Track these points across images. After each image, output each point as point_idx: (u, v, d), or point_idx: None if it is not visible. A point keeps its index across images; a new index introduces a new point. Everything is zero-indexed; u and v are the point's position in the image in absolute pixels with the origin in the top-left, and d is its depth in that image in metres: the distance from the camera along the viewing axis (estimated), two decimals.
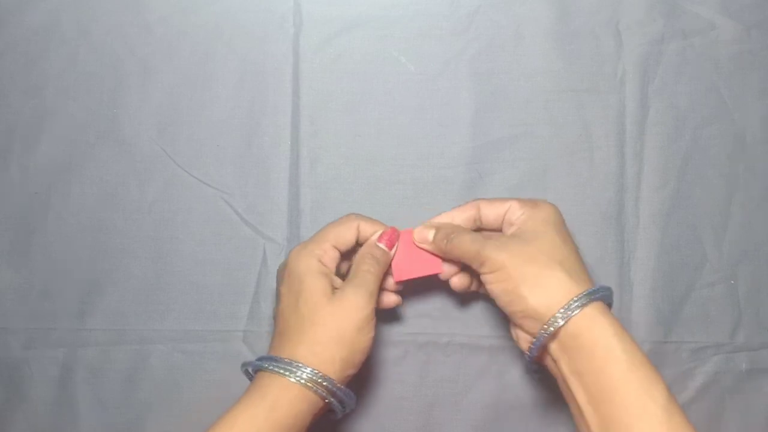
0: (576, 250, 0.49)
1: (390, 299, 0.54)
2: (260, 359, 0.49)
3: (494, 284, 0.48)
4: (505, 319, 0.56)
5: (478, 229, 0.53)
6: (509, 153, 0.58)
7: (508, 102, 0.59)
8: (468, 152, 0.58)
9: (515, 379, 0.57)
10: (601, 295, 0.46)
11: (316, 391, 0.47)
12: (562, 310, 0.45)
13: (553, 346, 0.46)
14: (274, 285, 0.57)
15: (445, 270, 0.53)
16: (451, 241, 0.50)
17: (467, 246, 0.49)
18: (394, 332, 0.57)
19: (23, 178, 0.59)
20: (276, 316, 0.51)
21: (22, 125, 0.59)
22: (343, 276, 0.52)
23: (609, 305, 0.48)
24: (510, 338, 0.57)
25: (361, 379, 0.57)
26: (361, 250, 0.52)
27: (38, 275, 0.58)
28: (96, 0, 0.59)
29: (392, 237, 0.52)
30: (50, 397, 0.57)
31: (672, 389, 0.56)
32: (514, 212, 0.50)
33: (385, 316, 0.58)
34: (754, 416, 0.57)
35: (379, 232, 0.52)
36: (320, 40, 0.59)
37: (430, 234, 0.52)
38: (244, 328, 0.58)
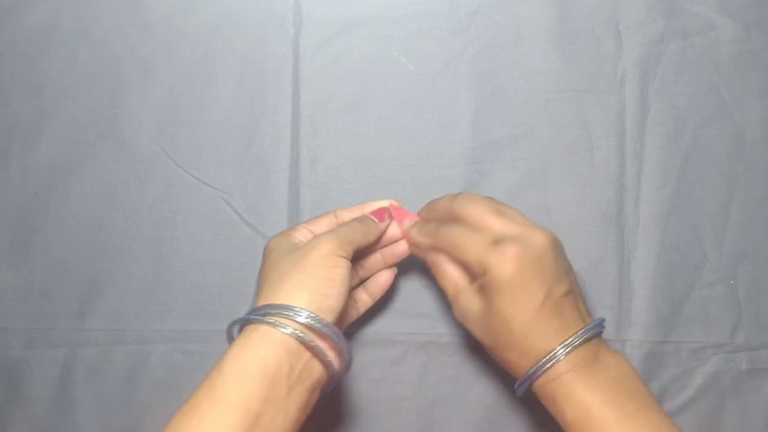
0: (541, 301, 0.46)
1: (383, 277, 0.54)
2: (252, 312, 0.46)
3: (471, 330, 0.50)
4: None
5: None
6: (509, 153, 0.58)
7: (508, 102, 0.59)
8: (468, 152, 0.58)
9: (515, 380, 0.57)
10: (571, 349, 0.45)
11: (313, 330, 0.45)
12: (521, 386, 0.47)
13: (535, 387, 0.48)
14: None
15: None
16: (444, 236, 0.50)
17: (443, 285, 0.51)
18: (394, 332, 0.57)
19: (23, 178, 0.59)
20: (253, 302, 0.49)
21: (22, 125, 0.59)
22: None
23: (598, 335, 0.48)
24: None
25: (361, 379, 0.57)
26: (354, 210, 0.54)
27: (38, 275, 0.58)
28: (96, 0, 0.59)
29: (382, 211, 0.53)
30: (50, 397, 0.57)
31: (672, 389, 0.57)
32: (476, 272, 0.48)
33: (385, 316, 0.58)
34: (754, 416, 0.57)
35: (376, 208, 0.53)
36: (320, 40, 0.59)
37: (417, 229, 0.53)
38: None
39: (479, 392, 0.57)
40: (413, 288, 0.58)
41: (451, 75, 0.59)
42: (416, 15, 0.59)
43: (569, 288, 0.47)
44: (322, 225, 0.53)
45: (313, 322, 0.45)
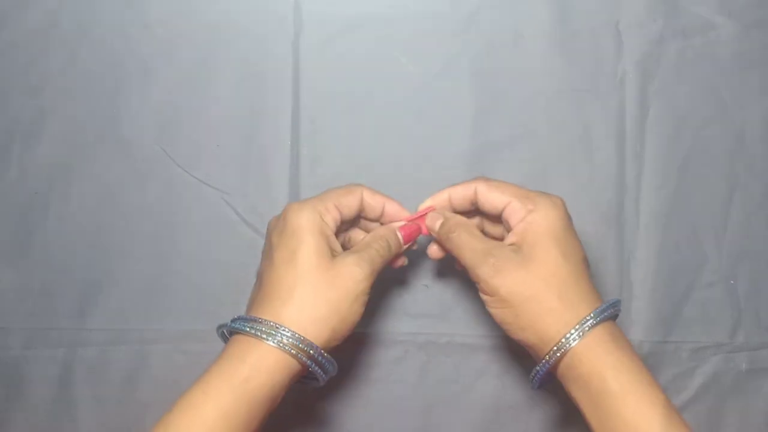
0: (579, 261, 0.46)
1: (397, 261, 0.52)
2: (240, 320, 0.45)
3: (490, 307, 0.46)
4: None
5: (478, 210, 0.51)
6: (509, 153, 0.58)
7: (508, 102, 0.59)
8: (468, 152, 0.58)
9: (515, 379, 0.57)
10: (601, 318, 0.44)
11: (298, 358, 0.43)
12: (554, 349, 0.43)
13: (557, 373, 0.45)
14: None
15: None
16: (451, 240, 0.49)
17: (465, 255, 0.47)
18: (394, 332, 0.57)
19: (23, 178, 0.59)
20: (261, 272, 0.47)
21: (22, 125, 0.59)
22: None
23: (614, 317, 0.46)
24: (510, 338, 0.57)
25: (362, 379, 0.57)
26: (379, 230, 0.50)
27: (38, 275, 0.58)
28: (96, 0, 0.59)
29: (413, 233, 0.51)
30: (50, 397, 0.57)
31: (672, 389, 0.57)
32: (513, 213, 0.47)
33: (385, 316, 0.58)
34: (754, 416, 0.57)
35: (403, 222, 0.51)
36: (320, 40, 0.59)
37: (438, 224, 0.50)
38: None
39: (479, 392, 0.57)
40: (413, 288, 0.58)
41: (451, 75, 0.59)
42: (416, 15, 0.59)
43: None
44: (350, 201, 0.49)
45: (316, 355, 0.44)
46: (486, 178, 0.50)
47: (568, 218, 0.47)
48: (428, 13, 0.59)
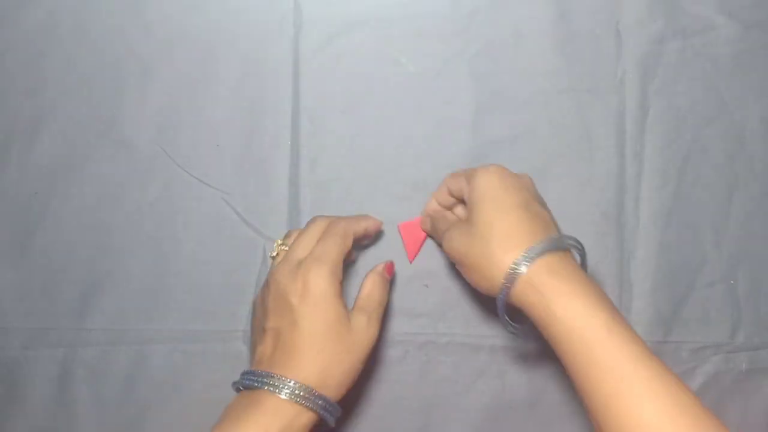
0: (516, 207, 0.47)
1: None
2: (265, 378, 0.47)
3: (460, 273, 0.51)
4: None
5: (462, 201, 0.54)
6: (509, 153, 0.58)
7: (508, 102, 0.59)
8: (468, 152, 0.58)
9: (515, 379, 0.57)
10: (537, 252, 0.45)
11: (314, 410, 0.47)
12: (501, 288, 0.46)
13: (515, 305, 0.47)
14: None
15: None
16: (431, 231, 0.56)
17: (437, 237, 0.54)
18: (394, 332, 0.57)
19: (23, 178, 0.59)
20: (279, 329, 0.49)
21: (22, 125, 0.59)
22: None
23: (560, 249, 0.47)
24: (510, 338, 0.57)
25: (362, 379, 0.57)
26: (372, 279, 0.52)
27: (38, 275, 0.58)
28: (96, 0, 0.59)
29: (391, 268, 0.55)
30: (50, 397, 0.57)
31: None
32: (464, 191, 0.51)
33: (385, 316, 0.57)
34: (754, 416, 0.57)
35: (384, 264, 0.54)
36: (320, 40, 0.59)
37: (426, 224, 0.57)
38: (244, 328, 0.58)
39: (479, 392, 0.57)
40: (413, 288, 0.58)
41: (451, 75, 0.59)
42: (416, 15, 0.59)
43: (544, 210, 0.49)
44: (349, 250, 0.52)
45: (330, 408, 0.48)
46: (453, 173, 0.54)
47: (501, 176, 0.49)
48: (428, 13, 0.59)
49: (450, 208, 0.56)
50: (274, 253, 0.54)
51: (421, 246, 0.58)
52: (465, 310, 0.58)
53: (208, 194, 0.59)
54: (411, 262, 0.58)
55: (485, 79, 0.59)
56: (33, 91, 0.59)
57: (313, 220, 0.53)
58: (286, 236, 0.54)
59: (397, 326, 0.57)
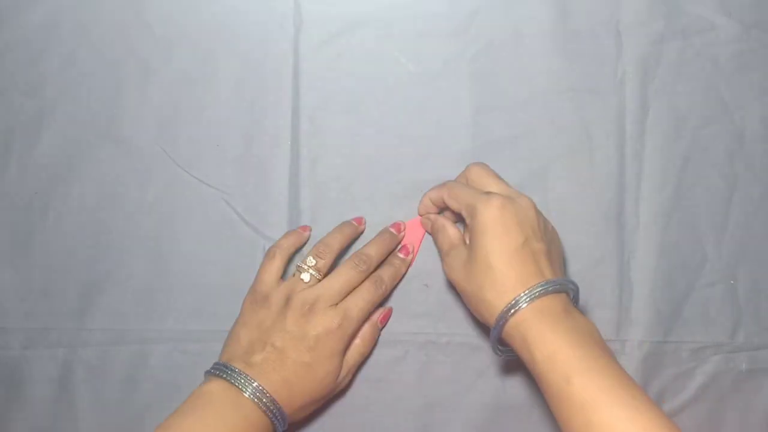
0: (514, 248, 0.49)
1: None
2: (260, 395, 0.50)
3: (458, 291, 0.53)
4: None
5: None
6: (509, 153, 0.58)
7: (508, 102, 0.59)
8: (468, 152, 0.58)
9: (515, 379, 0.57)
10: (528, 301, 0.47)
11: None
12: (493, 327, 0.49)
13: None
14: None
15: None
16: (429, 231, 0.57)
17: (436, 245, 0.56)
18: (394, 332, 0.57)
19: (23, 178, 0.59)
20: (290, 354, 0.52)
21: (22, 125, 0.59)
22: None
23: (557, 292, 0.48)
24: None
25: (362, 379, 0.57)
26: (364, 332, 0.55)
27: (38, 275, 0.58)
28: (96, 0, 0.59)
29: (387, 317, 0.57)
30: (50, 397, 0.57)
31: (672, 389, 0.57)
32: (466, 218, 0.52)
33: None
34: (754, 416, 0.57)
35: (381, 312, 0.57)
36: (320, 40, 0.59)
37: (426, 225, 0.58)
38: None
39: (479, 392, 0.57)
40: (413, 288, 0.58)
41: (451, 75, 0.59)
42: (416, 15, 0.59)
43: (548, 248, 0.50)
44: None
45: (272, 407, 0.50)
46: (449, 186, 0.54)
47: (502, 212, 0.50)
48: (428, 13, 0.59)
49: (444, 208, 0.56)
50: (307, 279, 0.54)
51: (420, 245, 0.58)
52: (465, 310, 0.57)
53: (208, 194, 0.59)
54: (410, 247, 0.58)
55: (485, 79, 0.59)
56: (33, 91, 0.59)
57: (356, 256, 0.55)
58: (317, 255, 0.55)
59: (397, 326, 0.57)
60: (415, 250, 0.58)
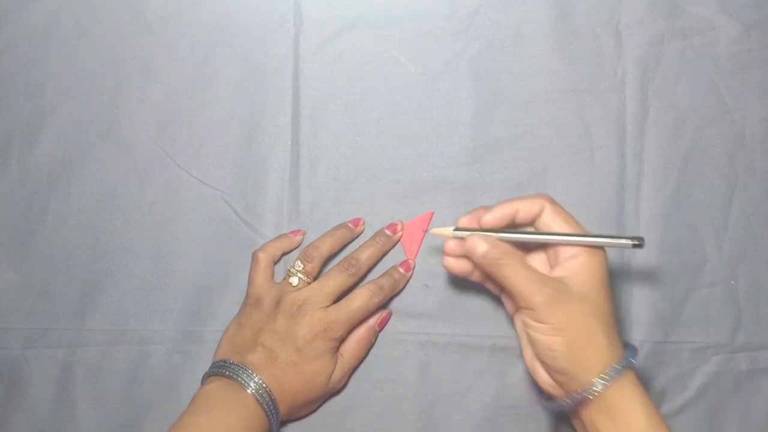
0: (613, 302, 0.49)
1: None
2: (261, 390, 0.51)
3: (538, 333, 0.48)
4: (505, 319, 0.56)
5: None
6: (509, 153, 0.58)
7: (508, 102, 0.59)
8: (468, 152, 0.58)
9: (515, 379, 0.57)
10: (630, 361, 0.47)
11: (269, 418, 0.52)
12: (600, 381, 0.46)
13: (583, 408, 0.48)
14: None
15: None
16: (501, 268, 0.48)
17: (518, 283, 0.48)
18: (394, 332, 0.57)
19: (23, 178, 0.59)
20: (280, 354, 0.52)
21: (22, 125, 0.59)
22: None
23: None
24: (510, 338, 0.57)
25: (362, 379, 0.57)
26: (360, 335, 0.56)
27: (38, 275, 0.58)
28: (96, 0, 0.59)
29: (386, 321, 0.57)
30: (50, 397, 0.57)
31: (672, 389, 0.57)
32: (565, 249, 0.48)
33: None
34: (754, 416, 0.57)
35: (379, 316, 0.56)
36: (320, 40, 0.59)
37: (482, 247, 0.49)
38: None
39: (479, 392, 0.57)
40: (413, 288, 0.58)
41: (451, 75, 0.59)
42: (416, 15, 0.59)
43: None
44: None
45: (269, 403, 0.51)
46: (551, 202, 0.50)
47: (607, 266, 0.49)
48: (428, 13, 0.59)
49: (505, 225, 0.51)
50: (296, 282, 0.54)
51: (420, 246, 0.58)
52: (465, 310, 0.57)
53: (208, 194, 0.59)
54: (411, 263, 0.58)
55: (485, 79, 0.59)
56: (33, 91, 0.59)
57: (347, 260, 0.56)
58: (305, 259, 0.55)
59: (397, 326, 0.57)
60: (415, 252, 0.58)
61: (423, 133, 0.59)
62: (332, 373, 0.54)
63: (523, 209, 0.49)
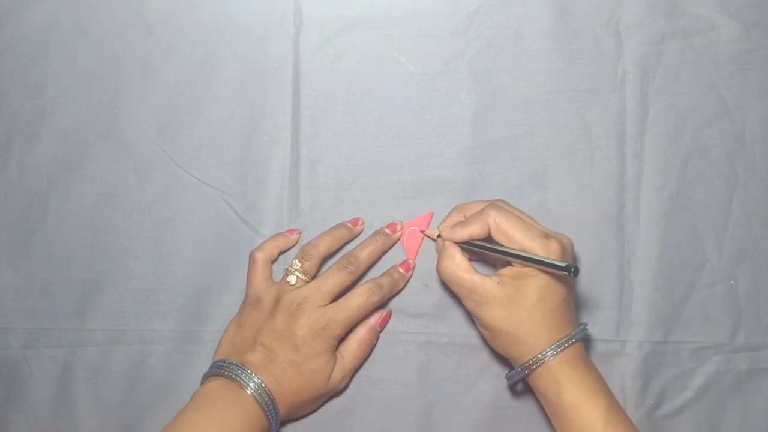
0: (558, 302, 0.51)
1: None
2: (261, 390, 0.51)
3: (478, 326, 0.54)
4: None
5: None
6: (509, 153, 0.58)
7: (508, 102, 0.59)
8: (468, 152, 0.58)
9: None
10: (558, 351, 0.51)
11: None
12: (520, 368, 0.52)
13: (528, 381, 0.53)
14: None
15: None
16: (440, 268, 0.54)
17: (453, 287, 0.54)
18: (394, 332, 0.57)
19: (23, 178, 0.59)
20: (280, 354, 0.52)
21: (22, 125, 0.59)
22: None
23: (579, 339, 0.52)
24: None
25: (362, 379, 0.57)
26: (361, 335, 0.56)
27: (38, 275, 0.58)
28: (96, 0, 0.59)
29: (386, 320, 0.57)
30: (50, 397, 0.57)
31: (672, 389, 0.57)
32: (507, 270, 0.52)
33: None
34: (754, 416, 0.57)
35: (380, 315, 0.57)
36: (320, 41, 0.59)
37: (437, 241, 0.57)
38: None
39: (479, 392, 0.57)
40: (413, 288, 0.58)
41: (451, 75, 0.59)
42: (416, 15, 0.59)
43: (573, 294, 0.54)
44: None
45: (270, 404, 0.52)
46: (497, 213, 0.52)
47: (552, 283, 0.51)
48: (428, 13, 0.59)
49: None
50: (294, 281, 0.54)
51: (420, 246, 0.58)
52: (465, 310, 0.57)
53: (208, 194, 0.59)
54: (411, 263, 0.58)
55: (485, 79, 0.59)
56: (33, 91, 0.59)
57: (345, 258, 0.56)
58: (303, 258, 0.55)
59: (397, 326, 0.57)
60: (415, 252, 0.58)
61: (423, 133, 0.59)
62: (331, 373, 0.54)
63: (476, 234, 0.53)
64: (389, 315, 0.57)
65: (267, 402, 0.51)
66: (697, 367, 0.57)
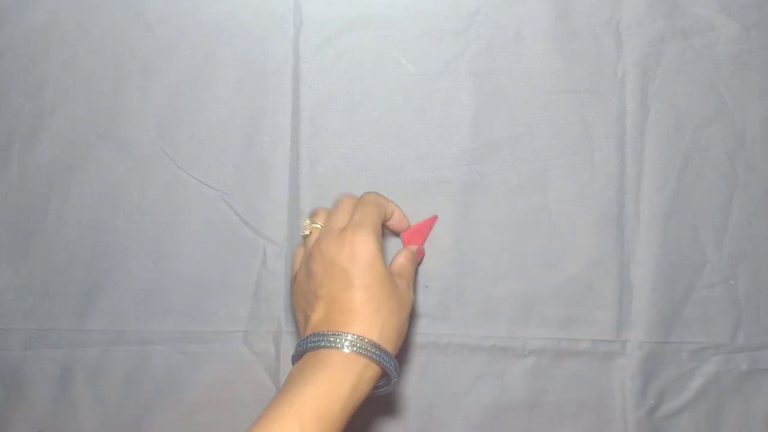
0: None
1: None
2: (328, 337, 0.48)
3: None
4: (505, 320, 0.57)
5: None
6: (509, 153, 0.58)
7: (508, 102, 0.59)
8: (468, 152, 0.58)
9: (515, 379, 0.57)
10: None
11: (378, 362, 0.48)
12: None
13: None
14: (274, 286, 0.57)
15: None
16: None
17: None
18: None
19: (23, 178, 0.59)
20: (334, 292, 0.50)
21: (22, 125, 0.59)
22: None
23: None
24: (510, 338, 0.57)
25: None
26: (404, 254, 0.55)
27: (38, 275, 0.58)
28: (96, 0, 0.59)
29: (422, 253, 0.58)
30: (50, 397, 0.57)
31: (672, 390, 0.57)
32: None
33: None
34: (754, 416, 0.57)
35: (417, 246, 0.57)
36: (320, 41, 0.59)
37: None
38: (244, 328, 0.58)
39: (479, 392, 0.57)
40: (414, 288, 0.58)
41: (451, 75, 0.59)
42: (416, 15, 0.59)
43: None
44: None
45: (387, 357, 0.49)
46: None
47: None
48: (428, 13, 0.59)
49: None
50: (307, 231, 0.54)
51: (423, 243, 0.58)
52: (465, 310, 0.57)
53: (208, 194, 0.59)
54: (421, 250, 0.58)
55: (485, 79, 0.59)
56: (33, 91, 0.59)
57: (342, 198, 0.55)
58: (314, 215, 0.55)
59: None
60: (419, 252, 0.58)
61: (423, 134, 0.59)
62: (388, 268, 0.52)
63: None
64: (423, 250, 0.57)
65: (369, 348, 0.48)
66: (697, 367, 0.57)
